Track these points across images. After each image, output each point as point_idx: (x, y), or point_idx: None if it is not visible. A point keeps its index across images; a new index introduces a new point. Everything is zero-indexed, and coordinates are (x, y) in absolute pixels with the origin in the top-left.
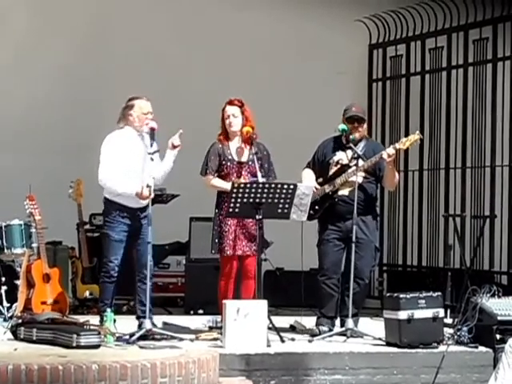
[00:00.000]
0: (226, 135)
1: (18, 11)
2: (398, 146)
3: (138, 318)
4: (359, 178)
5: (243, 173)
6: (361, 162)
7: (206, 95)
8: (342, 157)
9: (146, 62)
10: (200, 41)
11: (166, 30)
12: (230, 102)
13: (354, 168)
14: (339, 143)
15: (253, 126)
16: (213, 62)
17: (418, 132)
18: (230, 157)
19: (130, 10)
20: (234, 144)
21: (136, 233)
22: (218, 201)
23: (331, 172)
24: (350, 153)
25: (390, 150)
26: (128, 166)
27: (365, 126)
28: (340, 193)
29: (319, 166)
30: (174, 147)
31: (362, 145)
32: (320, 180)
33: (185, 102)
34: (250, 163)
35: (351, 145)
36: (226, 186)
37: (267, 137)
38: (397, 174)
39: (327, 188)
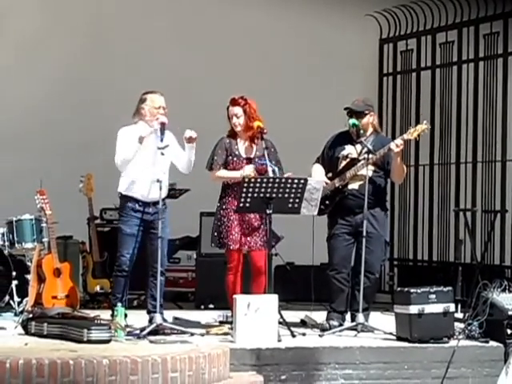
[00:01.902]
0: (234, 132)
1: (19, 11)
2: (405, 136)
3: (149, 312)
4: (369, 171)
5: (252, 165)
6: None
7: (206, 95)
8: (350, 151)
9: (146, 62)
10: (200, 41)
11: (165, 30)
12: (233, 102)
13: (364, 161)
14: (348, 137)
15: (261, 120)
16: (213, 62)
17: (425, 122)
18: (236, 152)
19: (130, 10)
20: (242, 140)
21: (150, 227)
22: (222, 195)
23: (341, 166)
24: (358, 147)
25: (398, 141)
26: (139, 159)
27: (366, 120)
28: (350, 187)
29: (328, 160)
30: (190, 141)
31: (370, 139)
32: (330, 175)
33: (185, 102)
34: (257, 160)
35: (362, 139)
36: (233, 174)
37: (277, 133)
38: (405, 167)
39: (337, 182)
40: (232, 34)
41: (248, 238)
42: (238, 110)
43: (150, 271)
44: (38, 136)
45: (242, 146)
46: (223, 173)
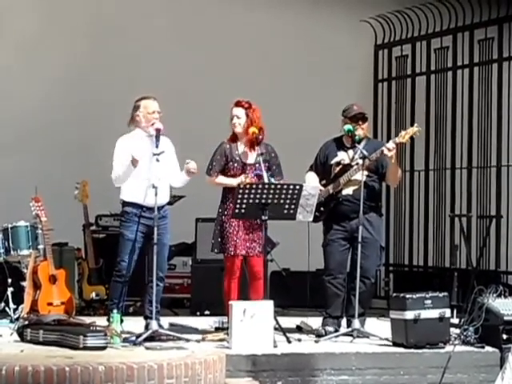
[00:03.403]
0: (235, 136)
1: (19, 11)
2: (397, 139)
3: (147, 318)
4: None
5: (249, 174)
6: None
7: (206, 95)
8: (343, 157)
9: (146, 62)
10: (200, 41)
11: (165, 30)
12: (237, 103)
13: (356, 166)
14: (340, 144)
15: (261, 127)
16: (213, 62)
17: (416, 124)
18: (237, 158)
19: (130, 10)
20: (242, 145)
21: (152, 232)
22: (223, 200)
23: (334, 173)
24: (351, 152)
25: (390, 144)
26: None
27: (366, 125)
28: (344, 192)
29: (322, 168)
30: (189, 174)
31: (362, 144)
32: (323, 182)
33: (185, 102)
34: (257, 165)
35: (356, 145)
36: (231, 181)
37: (271, 137)
38: (400, 171)
39: (331, 189)
40: (232, 34)
41: (247, 244)
42: (239, 112)
43: (151, 277)
44: (37, 137)
45: (241, 151)
46: (223, 180)
